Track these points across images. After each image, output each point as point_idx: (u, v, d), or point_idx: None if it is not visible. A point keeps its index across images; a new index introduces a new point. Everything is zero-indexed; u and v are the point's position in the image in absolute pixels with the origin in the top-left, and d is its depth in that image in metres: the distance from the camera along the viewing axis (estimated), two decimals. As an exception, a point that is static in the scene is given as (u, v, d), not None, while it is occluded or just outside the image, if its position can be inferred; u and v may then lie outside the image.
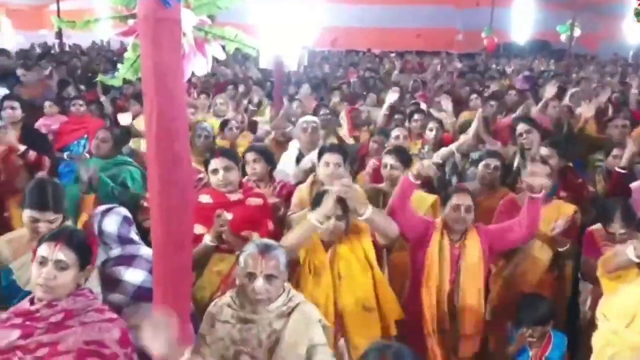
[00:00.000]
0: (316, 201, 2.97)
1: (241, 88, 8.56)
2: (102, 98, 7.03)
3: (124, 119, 6.44)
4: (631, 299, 2.85)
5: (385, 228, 3.03)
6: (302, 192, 3.77)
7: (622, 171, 4.30)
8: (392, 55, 18.39)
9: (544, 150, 4.30)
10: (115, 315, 2.24)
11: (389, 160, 3.95)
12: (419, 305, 3.27)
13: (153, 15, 1.70)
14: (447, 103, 6.60)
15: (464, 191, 3.37)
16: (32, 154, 4.47)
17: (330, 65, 14.78)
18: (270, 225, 3.40)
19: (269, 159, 4.05)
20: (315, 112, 6.30)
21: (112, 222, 2.98)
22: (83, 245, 2.25)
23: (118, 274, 2.85)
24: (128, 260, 2.89)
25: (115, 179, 4.16)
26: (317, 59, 15.79)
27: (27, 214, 2.78)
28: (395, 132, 4.97)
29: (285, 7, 5.76)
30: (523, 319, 3.30)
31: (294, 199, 3.75)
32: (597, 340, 3.07)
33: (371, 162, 4.61)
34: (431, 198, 3.88)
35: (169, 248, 1.93)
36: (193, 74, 2.12)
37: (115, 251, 2.96)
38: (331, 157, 3.65)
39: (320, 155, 3.73)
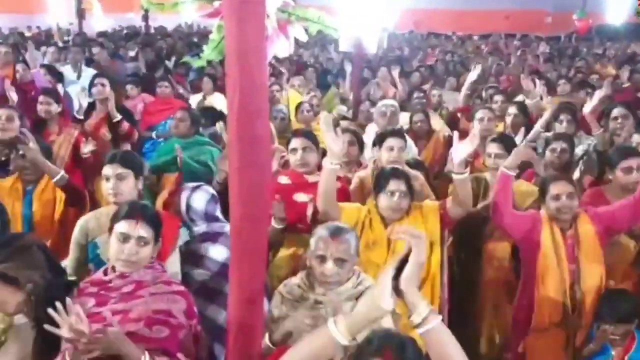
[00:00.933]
0: (378, 184, 2.99)
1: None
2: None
3: (194, 99, 6.62)
4: None
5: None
6: (361, 179, 3.74)
7: None
8: (475, 38, 17.91)
9: (636, 137, 4.06)
10: (182, 288, 2.34)
11: (493, 149, 3.85)
12: (531, 301, 3.18)
13: (238, -3, 1.72)
14: (530, 85, 6.37)
15: (562, 179, 3.24)
16: (126, 125, 4.83)
17: (411, 49, 14.56)
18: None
19: (360, 142, 4.05)
20: (409, 96, 6.27)
21: (201, 198, 3.09)
22: (158, 221, 2.37)
23: (204, 250, 2.95)
24: (213, 237, 2.99)
25: (195, 158, 4.28)
26: (397, 42, 15.58)
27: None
28: (479, 114, 4.80)
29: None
30: (605, 315, 3.14)
31: (352, 186, 3.71)
32: None
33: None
34: (535, 190, 3.70)
35: (246, 226, 1.97)
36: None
37: (201, 227, 3.06)
38: (395, 142, 3.62)
39: (382, 139, 3.70)
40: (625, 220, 3.18)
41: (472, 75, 6.33)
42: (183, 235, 2.94)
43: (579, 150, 4.52)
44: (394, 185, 3.01)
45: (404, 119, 5.26)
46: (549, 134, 4.51)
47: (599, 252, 3.12)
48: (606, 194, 3.63)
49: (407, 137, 4.44)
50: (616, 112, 4.52)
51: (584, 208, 3.22)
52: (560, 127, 4.73)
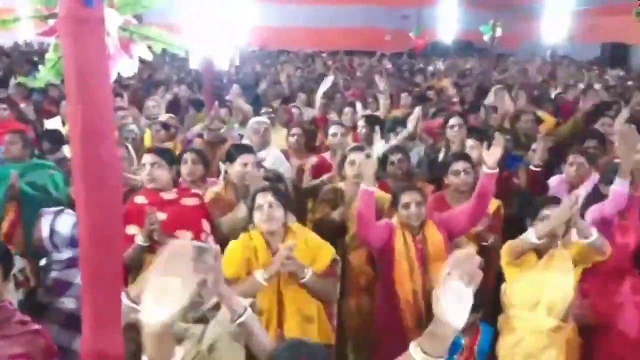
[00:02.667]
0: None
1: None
2: (22, 104, 6.72)
3: (52, 123, 6.19)
4: (533, 284, 3.00)
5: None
6: (216, 193, 3.74)
7: (537, 169, 4.47)
8: (324, 55, 18.53)
9: (470, 142, 4.43)
10: (38, 326, 2.16)
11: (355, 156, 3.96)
12: (394, 304, 3.31)
13: (74, 15, 1.64)
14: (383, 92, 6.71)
15: (411, 188, 3.45)
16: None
17: (262, 65, 14.74)
18: (206, 225, 3.37)
19: (206, 161, 4.02)
20: (255, 112, 6.31)
21: (66, 223, 2.90)
22: (6, 256, 2.15)
23: (71, 277, 2.77)
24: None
25: (33, 183, 3.96)
26: (249, 59, 15.69)
27: None
28: (331, 130, 4.98)
29: (215, 7, 5.71)
30: None
31: (206, 199, 3.67)
32: (503, 326, 3.22)
33: (312, 159, 4.73)
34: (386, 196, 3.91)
35: (96, 252, 1.87)
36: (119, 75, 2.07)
37: (66, 254, 2.87)
38: (248, 158, 3.70)
39: (233, 156, 3.75)
40: (462, 226, 3.45)
41: (325, 85, 6.59)
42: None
43: (413, 157, 4.86)
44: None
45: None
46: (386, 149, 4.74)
47: (444, 256, 3.31)
48: (447, 198, 3.92)
49: (278, 151, 4.55)
50: (452, 121, 4.91)
51: (429, 215, 3.43)
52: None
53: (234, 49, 6.67)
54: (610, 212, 3.48)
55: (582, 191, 3.98)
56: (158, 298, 1.40)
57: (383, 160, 4.37)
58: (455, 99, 7.74)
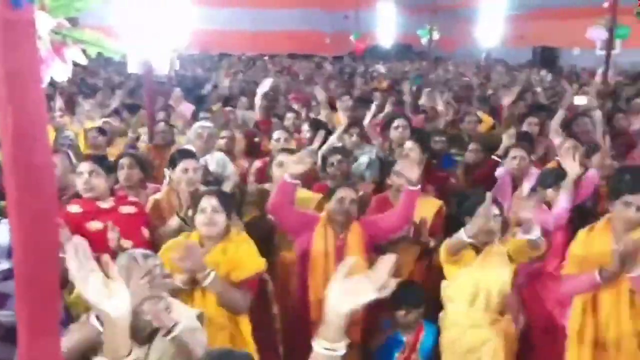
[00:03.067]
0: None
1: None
2: None
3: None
4: (471, 280, 3.08)
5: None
6: (157, 200, 3.69)
7: (498, 159, 4.66)
8: (266, 58, 18.51)
9: (408, 144, 4.53)
10: None
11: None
12: (306, 298, 3.34)
13: (2, 17, 1.58)
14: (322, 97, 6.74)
15: (349, 186, 3.53)
16: None
17: (203, 69, 14.58)
18: (146, 233, 3.30)
19: (143, 165, 3.94)
20: (194, 117, 6.22)
21: (2, 233, 2.77)
22: None
23: (9, 289, 2.66)
24: None
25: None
26: (190, 63, 15.50)
27: None
28: (275, 135, 4.98)
29: (153, 10, 5.59)
30: (400, 301, 3.41)
31: (147, 207, 3.63)
32: (443, 321, 3.30)
33: (256, 163, 4.73)
34: (313, 196, 3.96)
35: (30, 261, 1.80)
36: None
37: (3, 265, 2.75)
38: (189, 163, 3.65)
39: (175, 161, 3.70)
40: (386, 231, 3.52)
41: (264, 86, 6.57)
42: None
43: (364, 159, 4.90)
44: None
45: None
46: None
47: (362, 256, 3.35)
48: (390, 199, 3.98)
49: (222, 155, 4.53)
50: (397, 122, 5.00)
51: (357, 218, 3.47)
52: (350, 140, 5.08)
53: (174, 52, 6.54)
54: (552, 226, 3.60)
55: (526, 186, 4.13)
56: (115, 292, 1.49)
57: (323, 162, 4.40)
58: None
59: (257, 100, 6.70)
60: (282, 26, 25.35)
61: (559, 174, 3.74)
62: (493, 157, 4.71)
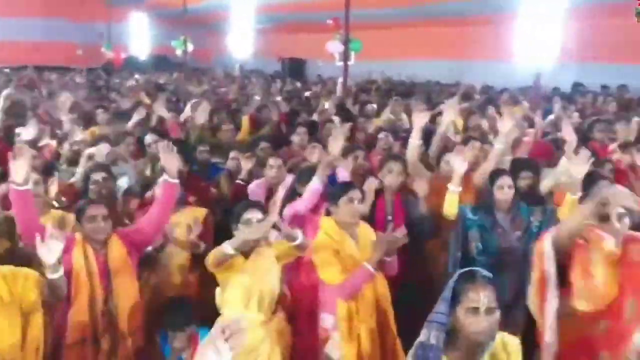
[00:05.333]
0: None
1: None
2: None
3: None
4: (243, 284, 3.12)
5: None
6: None
7: (242, 183, 4.70)
8: (7, 70, 16.59)
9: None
10: None
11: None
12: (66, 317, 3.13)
13: None
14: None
15: (98, 202, 3.37)
16: None
17: None
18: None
19: None
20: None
21: None
22: None
23: None
24: None
25: None
26: None
27: None
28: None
29: None
30: (167, 323, 3.31)
31: None
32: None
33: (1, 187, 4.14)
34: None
35: None
36: None
37: None
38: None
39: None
40: (147, 236, 3.45)
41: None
42: None
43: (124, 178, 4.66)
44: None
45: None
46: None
47: (128, 270, 3.29)
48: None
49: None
50: (148, 138, 4.81)
51: (115, 230, 3.35)
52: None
53: None
54: (303, 208, 3.80)
55: (281, 192, 4.27)
56: None
57: (84, 180, 4.17)
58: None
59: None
60: (26, 36, 22.93)
61: (313, 171, 3.97)
62: (237, 181, 4.77)
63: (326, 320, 3.38)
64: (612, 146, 5.42)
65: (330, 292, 3.31)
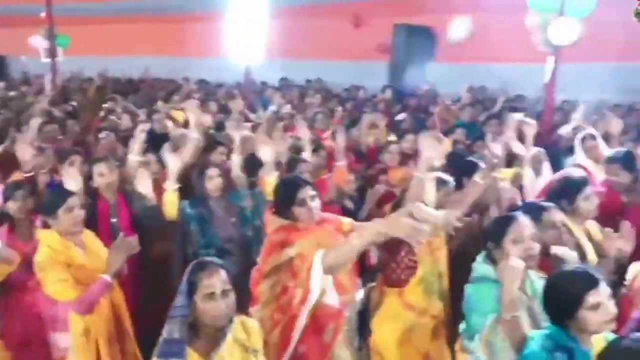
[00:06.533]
0: None
1: None
2: None
3: None
4: None
5: None
6: None
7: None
8: None
9: None
10: None
11: None
12: None
13: None
14: None
15: None
16: None
17: None
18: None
19: None
20: None
21: None
22: None
23: None
24: None
25: None
26: None
27: None
28: None
29: None
30: None
31: None
32: None
33: None
34: None
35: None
36: None
37: None
38: None
39: None
40: None
41: None
42: None
43: None
44: None
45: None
46: None
47: None
48: None
49: None
50: None
51: None
52: None
53: None
54: None
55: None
56: None
57: None
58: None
59: None
60: None
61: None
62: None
63: (60, 340, 3.16)
64: (326, 133, 6.09)
65: (63, 309, 3.07)
